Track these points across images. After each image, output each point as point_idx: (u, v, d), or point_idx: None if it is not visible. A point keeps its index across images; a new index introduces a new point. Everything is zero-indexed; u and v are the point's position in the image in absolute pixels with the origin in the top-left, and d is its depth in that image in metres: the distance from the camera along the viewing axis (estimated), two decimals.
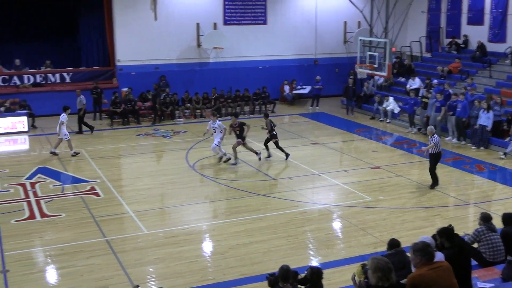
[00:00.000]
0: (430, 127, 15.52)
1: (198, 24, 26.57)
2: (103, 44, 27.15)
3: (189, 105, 25.05)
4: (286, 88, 28.18)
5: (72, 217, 13.21)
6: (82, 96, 21.99)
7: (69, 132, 18.97)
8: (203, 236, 12.41)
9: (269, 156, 17.97)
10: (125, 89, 24.82)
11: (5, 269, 10.56)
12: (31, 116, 22.79)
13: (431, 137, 14.99)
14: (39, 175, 16.39)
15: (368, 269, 5.87)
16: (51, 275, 10.58)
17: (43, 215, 13.34)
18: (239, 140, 17.40)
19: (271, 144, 18.09)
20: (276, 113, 25.92)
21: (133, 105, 23.90)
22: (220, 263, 10.92)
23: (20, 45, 26.42)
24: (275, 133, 18.01)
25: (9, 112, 22.24)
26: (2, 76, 24.59)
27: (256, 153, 17.59)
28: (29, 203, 14.10)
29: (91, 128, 22.03)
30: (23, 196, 14.62)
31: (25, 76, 24.94)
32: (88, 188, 15.26)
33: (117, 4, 25.48)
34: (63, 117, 18.57)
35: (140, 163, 18.08)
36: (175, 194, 15.01)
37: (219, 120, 17.73)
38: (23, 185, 15.49)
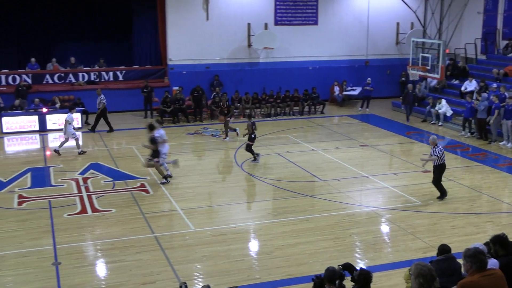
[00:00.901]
0: (433, 137, 14.55)
1: (249, 24, 26.67)
2: (155, 43, 27.57)
3: (238, 104, 25.18)
4: (336, 89, 27.97)
5: (122, 212, 13.47)
6: (102, 96, 22.25)
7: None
8: (250, 235, 12.45)
9: (255, 159, 17.72)
10: (176, 88, 25.16)
11: (57, 262, 10.85)
12: (84, 113, 23.36)
13: (433, 147, 13.96)
14: (91, 170, 16.79)
15: (411, 274, 5.79)
16: (101, 268, 10.82)
17: (94, 210, 13.65)
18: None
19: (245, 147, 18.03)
20: (326, 114, 25.77)
21: (181, 104, 24.20)
22: (266, 263, 10.93)
23: (75, 44, 27.07)
24: (253, 136, 17.74)
25: (64, 109, 22.82)
26: (58, 74, 25.31)
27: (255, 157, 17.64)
28: (81, 198, 14.46)
29: (111, 129, 22.24)
30: (75, 191, 15.00)
31: (80, 74, 25.60)
32: (138, 184, 15.53)
33: (170, 4, 25.85)
34: (69, 116, 18.75)
35: (189, 161, 18.27)
36: (223, 192, 15.11)
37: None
38: (76, 180, 15.89)
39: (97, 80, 25.76)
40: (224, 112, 19.15)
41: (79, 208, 13.78)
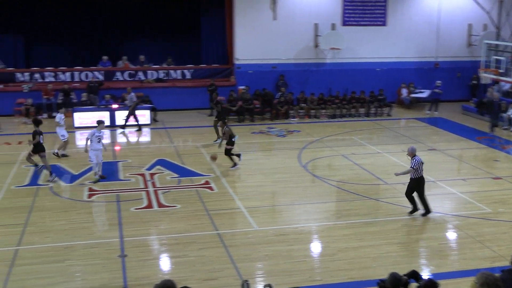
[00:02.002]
0: (411, 147, 13.23)
1: (316, 25, 26.56)
2: (222, 42, 27.87)
3: (304, 105, 25.11)
4: (404, 91, 27.44)
5: (186, 208, 13.69)
6: (132, 94, 22.63)
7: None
8: (312, 236, 12.39)
9: (235, 165, 17.22)
10: (242, 87, 25.35)
11: (123, 254, 11.14)
12: (153, 110, 23.88)
13: (411, 158, 12.95)
14: (158, 166, 17.15)
15: (476, 283, 5.61)
16: (165, 263, 11.04)
17: (160, 205, 13.94)
18: None
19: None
20: (392, 117, 25.34)
21: (248, 103, 24.36)
22: (328, 265, 10.85)
23: (145, 42, 27.75)
24: (234, 140, 17.38)
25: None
26: (128, 71, 25.99)
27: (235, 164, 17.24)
28: (147, 192, 14.79)
29: (140, 127, 22.47)
30: (142, 186, 15.37)
31: (149, 72, 26.20)
32: (203, 181, 15.74)
33: (238, 4, 26.07)
34: (58, 117, 18.43)
35: (253, 160, 18.37)
36: (286, 192, 15.11)
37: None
38: (143, 175, 16.27)
39: (166, 78, 26.29)
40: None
41: (145, 202, 14.10)
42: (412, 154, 12.96)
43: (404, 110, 26.98)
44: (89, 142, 15.53)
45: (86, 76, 25.47)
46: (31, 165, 16.29)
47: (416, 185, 13.03)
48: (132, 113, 22.29)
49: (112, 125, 22.58)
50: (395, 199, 14.40)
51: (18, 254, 11.09)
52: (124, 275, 10.30)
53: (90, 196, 14.55)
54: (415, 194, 13.18)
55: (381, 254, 11.22)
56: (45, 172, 16.03)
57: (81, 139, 21.27)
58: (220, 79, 26.53)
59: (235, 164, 17.06)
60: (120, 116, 22.72)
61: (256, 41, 26.32)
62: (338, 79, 26.94)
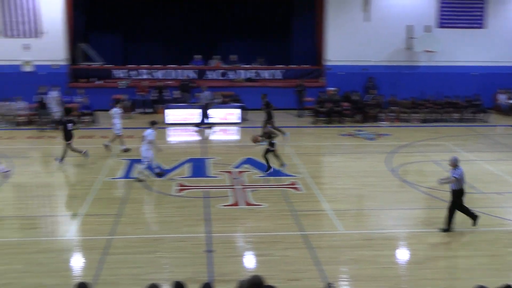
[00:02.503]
0: (454, 157, 12.36)
1: (409, 26, 25.92)
2: (313, 43, 27.79)
3: (394, 108, 24.58)
4: (502, 97, 26.25)
5: (272, 208, 13.74)
6: (206, 92, 22.82)
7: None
8: (400, 243, 12.08)
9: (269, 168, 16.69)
10: (332, 89, 25.17)
11: (210, 249, 11.34)
12: (244, 109, 24.17)
13: (453, 169, 12.16)
14: (246, 165, 17.34)
15: None
16: (250, 260, 11.13)
17: (247, 203, 14.08)
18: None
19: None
20: (489, 123, 24.30)
21: (337, 105, 24.16)
22: (416, 273, 10.55)
23: (237, 42, 28.16)
24: (274, 142, 16.82)
25: (223, 104, 23.86)
26: (220, 71, 26.46)
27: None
28: (235, 190, 14.98)
29: (199, 125, 22.66)
30: (229, 183, 15.58)
31: (240, 71, 26.55)
32: (290, 182, 15.75)
33: (330, 5, 25.92)
34: (114, 110, 18.88)
35: (341, 162, 18.19)
36: (374, 197, 14.84)
37: None
38: (230, 173, 16.50)
39: (256, 78, 26.54)
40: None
41: (232, 200, 14.29)
42: (454, 164, 12.17)
43: (502, 116, 25.82)
44: (146, 143, 15.60)
45: (179, 74, 26.16)
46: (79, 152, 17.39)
47: (457, 197, 12.24)
48: (205, 112, 22.71)
49: (202, 123, 23.02)
50: (489, 209, 13.78)
51: (111, 243, 11.55)
52: (210, 270, 10.48)
53: (179, 191, 14.93)
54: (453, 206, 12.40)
55: (472, 266, 10.79)
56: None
57: (171, 135, 21.94)
58: (310, 80, 26.47)
59: (269, 168, 16.57)
60: (211, 114, 23.15)
61: (347, 42, 26.05)
62: (431, 83, 26.18)
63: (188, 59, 27.17)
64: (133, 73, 26.23)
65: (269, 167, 16.50)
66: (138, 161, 16.47)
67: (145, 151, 15.57)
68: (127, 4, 27.37)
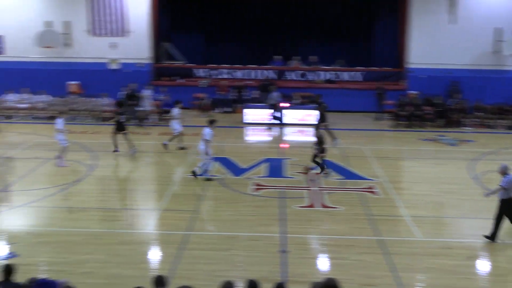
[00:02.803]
0: (503, 164, 11.81)
1: (498, 29, 24.91)
2: (395, 45, 27.27)
3: (480, 113, 23.70)
4: None
5: (348, 211, 13.59)
6: (275, 93, 22.79)
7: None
8: (481, 253, 11.64)
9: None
10: (413, 92, 24.60)
11: (284, 249, 11.36)
12: None
13: (503, 177, 11.57)
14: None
15: None
16: (324, 263, 11.06)
17: (322, 205, 14.00)
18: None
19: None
20: None
21: (419, 109, 23.59)
22: (497, 285, 10.15)
23: (317, 43, 28.04)
24: (324, 147, 16.48)
25: (302, 105, 23.83)
26: (300, 71, 26.44)
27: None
28: (311, 192, 14.93)
29: (270, 126, 22.71)
30: (306, 185, 15.54)
31: (319, 73, 26.43)
32: (367, 186, 15.52)
33: (414, 7, 25.31)
34: (174, 111, 19.13)
35: (420, 167, 17.74)
36: (455, 204, 14.37)
37: None
38: (307, 174, 16.44)
39: (335, 79, 26.34)
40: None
41: (308, 201, 14.25)
42: (503, 172, 11.65)
43: None
44: (204, 142, 15.58)
45: (259, 74, 26.35)
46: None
47: (506, 207, 11.64)
48: (275, 111, 22.76)
49: (281, 124, 23.07)
50: None
51: (188, 239, 11.80)
52: (283, 270, 10.49)
53: (256, 190, 15.04)
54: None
55: None
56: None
57: (248, 135, 22.15)
58: (390, 82, 25.97)
59: (323, 169, 16.34)
60: (289, 115, 23.19)
61: (430, 45, 25.35)
62: None
63: (268, 60, 27.32)
64: (213, 72, 26.67)
65: (323, 167, 16.36)
66: (217, 159, 16.73)
67: (202, 149, 15.71)
68: (210, 5, 27.86)
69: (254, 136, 22.41)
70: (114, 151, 18.29)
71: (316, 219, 13.12)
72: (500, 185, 11.65)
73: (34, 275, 8.10)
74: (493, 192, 12.02)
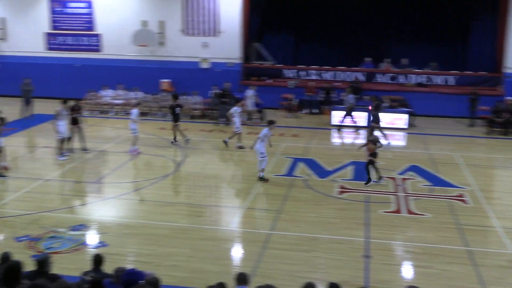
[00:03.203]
0: None
1: None
2: (492, 49, 26.14)
3: None
4: None
5: (436, 219, 13.16)
6: (350, 96, 22.51)
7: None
8: None
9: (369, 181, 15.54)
10: (510, 98, 23.49)
11: (367, 254, 11.18)
12: (412, 115, 23.44)
13: None
14: (410, 172, 16.81)
15: None
16: (408, 271, 10.78)
17: (409, 211, 13.65)
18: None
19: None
20: None
21: None
22: None
23: (409, 45, 27.37)
24: (376, 152, 15.53)
25: (391, 109, 23.35)
26: (390, 74, 25.93)
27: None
28: (397, 197, 14.60)
29: (357, 128, 22.31)
30: (392, 190, 15.21)
31: (410, 76, 25.79)
32: (457, 193, 14.98)
33: None
34: (234, 109, 19.48)
35: None
36: None
37: None
38: (394, 179, 16.10)
39: (427, 83, 25.62)
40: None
41: (394, 207, 13.94)
42: None
43: None
44: (259, 141, 15.65)
45: (348, 76, 26.07)
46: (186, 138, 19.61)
47: None
48: (349, 114, 22.36)
49: (369, 126, 22.66)
50: None
51: (270, 238, 11.86)
52: (366, 275, 10.32)
53: (340, 192, 14.89)
54: None
55: None
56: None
57: (335, 137, 21.96)
58: (486, 88, 24.94)
59: (369, 180, 15.54)
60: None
61: None
62: None
63: (358, 61, 26.99)
64: (302, 73, 26.65)
65: (369, 179, 15.58)
66: (302, 160, 16.72)
67: (259, 148, 15.68)
68: (301, 5, 27.86)
69: (341, 138, 22.17)
70: (186, 139, 19.62)
71: (401, 225, 12.81)
72: None
73: (122, 265, 8.41)
74: None
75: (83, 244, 11.54)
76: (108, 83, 25.77)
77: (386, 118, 22.79)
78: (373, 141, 15.61)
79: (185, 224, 12.73)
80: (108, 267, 8.19)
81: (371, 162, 15.52)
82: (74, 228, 12.21)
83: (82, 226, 12.36)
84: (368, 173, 15.56)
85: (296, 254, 11.16)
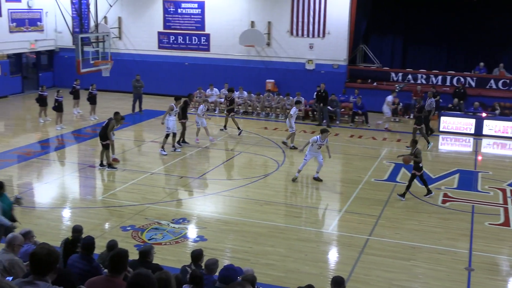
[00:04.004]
0: None
1: None
2: None
3: None
4: None
5: None
6: (432, 99, 21.55)
7: None
8: None
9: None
10: None
11: (470, 267, 10.71)
12: None
13: None
14: None
15: None
16: None
17: None
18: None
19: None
20: None
21: None
22: None
23: None
24: (421, 165, 14.14)
25: (503, 116, 22.20)
26: (503, 80, 24.64)
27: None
28: (506, 209, 13.86)
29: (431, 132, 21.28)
30: (501, 201, 14.46)
31: None
32: None
33: None
34: (293, 110, 19.23)
35: None
36: None
37: None
38: (503, 190, 15.30)
39: None
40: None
41: (502, 219, 13.25)
42: None
43: None
44: (308, 146, 15.71)
45: (458, 81, 25.07)
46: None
47: None
48: (426, 120, 21.32)
49: (477, 134, 21.70)
50: None
51: (368, 244, 11.66)
52: None
53: (444, 201, 14.36)
54: None
55: None
56: None
57: (442, 144, 21.20)
58: None
59: (429, 192, 14.56)
60: (487, 126, 21.73)
61: None
62: None
63: (469, 66, 25.87)
64: (410, 77, 25.93)
65: (429, 191, 14.59)
66: (406, 167, 16.28)
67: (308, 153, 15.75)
68: (410, 7, 27.13)
69: (449, 145, 21.36)
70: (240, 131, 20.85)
71: (509, 239, 12.15)
72: None
73: (220, 260, 8.59)
74: None
75: (184, 237, 11.91)
76: (214, 82, 26.39)
77: (497, 126, 21.74)
78: (414, 154, 14.42)
79: (283, 224, 12.80)
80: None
81: (414, 176, 14.49)
82: (176, 221, 12.63)
83: (184, 220, 12.77)
84: (426, 184, 14.65)
85: (394, 261, 10.90)
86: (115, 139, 17.14)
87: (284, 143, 19.50)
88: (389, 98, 23.01)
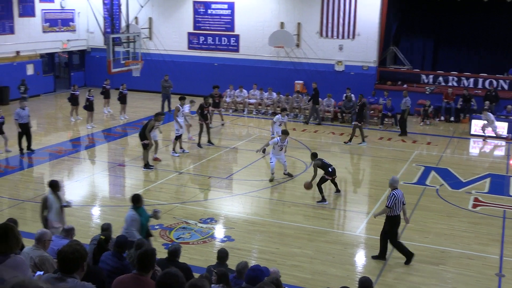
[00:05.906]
0: (392, 178, 11.05)
1: None
2: None
3: None
4: None
5: None
6: (408, 98, 21.52)
7: None
8: None
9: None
10: None
11: (501, 273, 10.53)
12: None
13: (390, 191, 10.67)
14: None
15: None
16: None
17: None
18: None
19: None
20: None
21: None
22: None
23: None
24: (330, 170, 13.88)
25: None
26: None
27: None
28: None
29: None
30: None
31: None
32: None
33: None
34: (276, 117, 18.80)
35: None
36: None
37: None
38: None
39: None
40: None
41: None
42: (392, 186, 10.83)
43: None
44: (263, 146, 16.61)
45: (490, 83, 24.67)
46: None
47: (389, 226, 10.79)
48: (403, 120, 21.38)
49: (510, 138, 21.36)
50: None
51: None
52: None
53: (474, 206, 14.15)
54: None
55: None
56: None
57: (474, 147, 20.89)
58: None
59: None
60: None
61: None
62: None
63: (502, 69, 25.43)
64: (441, 79, 25.61)
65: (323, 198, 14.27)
66: (436, 170, 16.08)
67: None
68: (442, 9, 26.78)
69: (480, 149, 21.02)
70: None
71: None
72: (386, 206, 10.78)
73: (246, 260, 8.59)
74: (381, 213, 11.49)
75: (211, 237, 11.95)
76: (243, 83, 26.42)
77: None
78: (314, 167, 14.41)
79: (310, 225, 12.76)
80: (232, 262, 8.40)
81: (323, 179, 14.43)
82: (203, 221, 12.69)
83: (211, 220, 12.81)
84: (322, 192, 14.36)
85: (423, 265, 10.78)
86: (158, 139, 17.43)
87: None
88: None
